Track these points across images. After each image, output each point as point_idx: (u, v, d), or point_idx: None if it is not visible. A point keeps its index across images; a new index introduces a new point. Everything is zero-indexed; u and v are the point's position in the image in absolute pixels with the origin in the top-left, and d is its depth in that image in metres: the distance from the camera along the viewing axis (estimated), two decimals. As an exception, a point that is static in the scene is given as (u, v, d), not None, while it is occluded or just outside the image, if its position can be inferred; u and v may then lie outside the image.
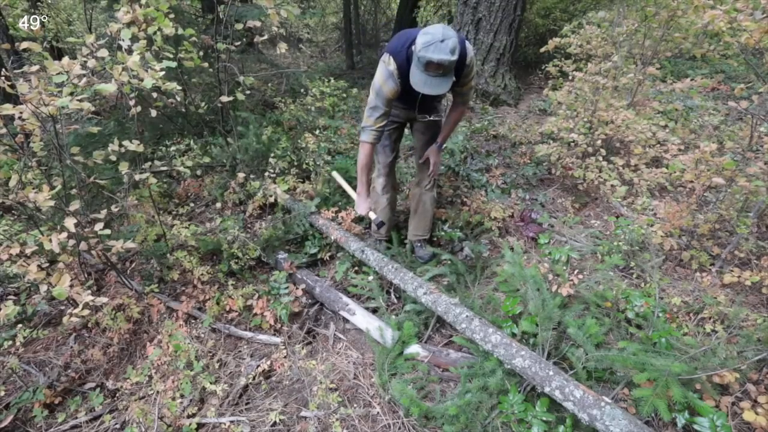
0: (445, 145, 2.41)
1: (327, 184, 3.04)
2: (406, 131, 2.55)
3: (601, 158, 3.08)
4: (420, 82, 1.80)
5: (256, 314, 2.29)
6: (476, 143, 3.96)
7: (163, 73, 1.89)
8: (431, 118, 2.32)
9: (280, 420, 1.82)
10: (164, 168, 2.63)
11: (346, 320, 2.33)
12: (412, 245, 2.66)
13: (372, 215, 2.34)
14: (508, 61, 5.15)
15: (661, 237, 2.45)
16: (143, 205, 2.88)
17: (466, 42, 1.92)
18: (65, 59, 1.68)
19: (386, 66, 1.96)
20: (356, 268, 2.59)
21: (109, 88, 1.71)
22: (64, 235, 1.79)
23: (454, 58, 1.70)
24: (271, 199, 2.89)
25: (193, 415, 1.85)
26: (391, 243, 2.67)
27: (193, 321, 2.32)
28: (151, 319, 2.29)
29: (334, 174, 2.73)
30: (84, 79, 1.72)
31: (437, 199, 3.18)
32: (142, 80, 1.81)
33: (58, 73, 1.65)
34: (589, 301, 2.07)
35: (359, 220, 2.88)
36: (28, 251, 1.86)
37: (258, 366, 2.03)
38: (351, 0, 7.43)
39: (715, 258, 2.45)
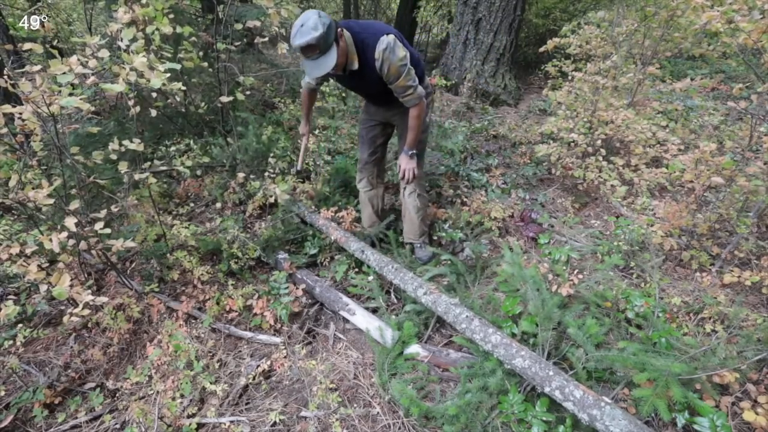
0: (413, 151, 2.23)
1: (327, 184, 3.04)
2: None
3: (601, 158, 3.08)
4: (307, 67, 1.87)
5: (256, 314, 2.29)
6: (476, 143, 3.97)
7: (168, 75, 1.90)
8: (395, 112, 2.29)
9: (280, 420, 1.82)
10: (164, 168, 2.64)
11: (346, 320, 2.33)
12: (412, 246, 2.66)
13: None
14: (508, 61, 5.16)
15: (661, 237, 2.45)
16: (143, 205, 2.88)
17: (384, 37, 1.87)
18: (72, 58, 1.68)
19: None
20: (356, 268, 2.59)
21: (117, 87, 1.71)
22: (64, 234, 1.79)
23: (317, 33, 1.74)
24: (271, 199, 2.89)
25: (193, 415, 1.85)
26: (379, 242, 2.68)
27: (193, 321, 2.32)
28: (151, 319, 2.29)
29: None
30: (91, 78, 1.72)
31: (434, 201, 3.18)
32: (148, 81, 1.82)
33: (63, 73, 1.65)
34: (589, 301, 2.07)
35: (359, 220, 2.87)
36: (28, 251, 1.86)
37: (258, 366, 2.03)
38: (351, 0, 7.43)
39: (715, 258, 2.45)
